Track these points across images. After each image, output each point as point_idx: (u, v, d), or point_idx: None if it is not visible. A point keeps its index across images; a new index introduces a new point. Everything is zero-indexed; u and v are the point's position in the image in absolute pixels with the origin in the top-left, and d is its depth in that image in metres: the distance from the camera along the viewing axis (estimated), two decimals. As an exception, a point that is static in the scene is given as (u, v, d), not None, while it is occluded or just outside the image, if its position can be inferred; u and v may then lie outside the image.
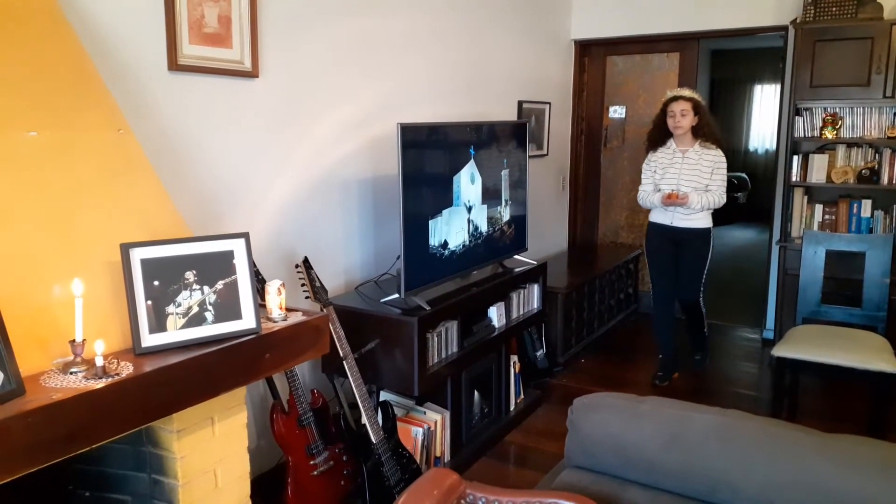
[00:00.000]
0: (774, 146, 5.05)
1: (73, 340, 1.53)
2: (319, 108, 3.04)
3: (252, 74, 2.66)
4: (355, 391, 2.65)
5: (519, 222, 3.70)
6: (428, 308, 2.86)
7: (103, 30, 2.17)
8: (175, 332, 1.74)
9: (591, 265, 5.22)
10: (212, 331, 1.79)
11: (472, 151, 3.23)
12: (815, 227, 4.44)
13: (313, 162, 3.04)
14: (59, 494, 1.95)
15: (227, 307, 1.83)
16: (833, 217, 4.43)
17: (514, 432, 3.56)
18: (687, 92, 3.90)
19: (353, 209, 3.29)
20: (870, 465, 1.52)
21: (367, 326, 2.85)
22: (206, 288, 1.81)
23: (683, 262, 4.02)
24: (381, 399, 2.97)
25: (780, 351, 3.31)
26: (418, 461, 2.90)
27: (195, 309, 1.78)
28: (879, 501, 1.46)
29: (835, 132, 4.33)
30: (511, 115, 4.63)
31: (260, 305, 1.94)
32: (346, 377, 2.67)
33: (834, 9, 4.17)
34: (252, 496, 2.10)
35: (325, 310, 2.65)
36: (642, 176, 4.06)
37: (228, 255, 1.86)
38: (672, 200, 3.81)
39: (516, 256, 3.73)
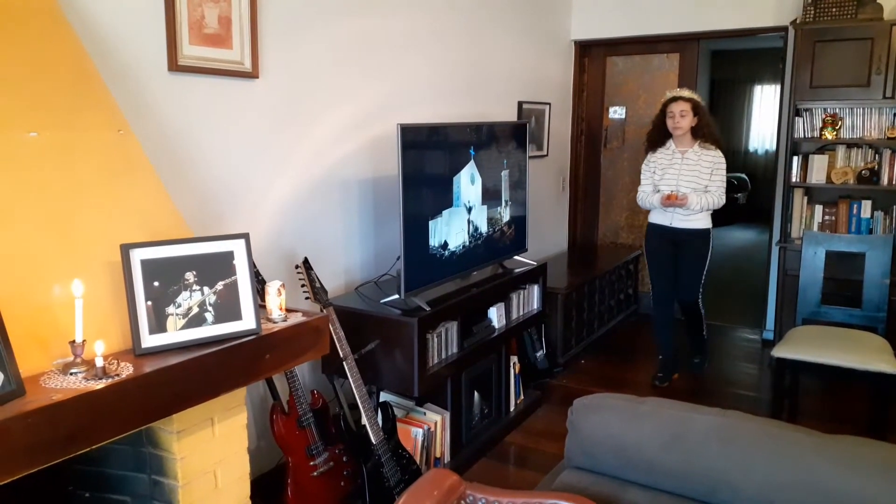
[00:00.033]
0: (774, 147, 5.05)
1: (73, 341, 1.53)
2: (319, 109, 3.05)
3: (252, 75, 2.66)
4: (355, 392, 2.65)
5: (519, 223, 3.70)
6: (428, 309, 2.86)
7: (103, 30, 2.17)
8: (175, 333, 1.74)
9: (590, 266, 5.22)
10: (212, 331, 1.79)
11: (472, 152, 3.23)
12: (815, 228, 4.44)
13: (313, 162, 3.04)
14: (59, 495, 1.95)
15: (227, 308, 1.83)
16: (833, 218, 4.43)
17: (514, 433, 3.56)
18: (686, 92, 3.90)
19: (353, 210, 3.29)
20: (870, 465, 1.52)
21: (367, 327, 2.85)
22: (206, 289, 1.81)
23: (683, 262, 4.02)
24: (381, 400, 2.97)
25: (780, 352, 3.31)
26: (418, 462, 2.89)
27: (195, 310, 1.78)
28: (880, 502, 1.46)
29: (835, 133, 4.33)
30: (511, 115, 4.63)
31: (260, 306, 1.94)
32: (346, 378, 2.67)
33: (834, 9, 4.17)
34: (252, 497, 2.10)
35: (325, 310, 2.65)
36: (641, 177, 4.06)
37: (228, 256, 1.86)
38: (671, 201, 3.81)
39: (516, 257, 3.73)
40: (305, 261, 2.71)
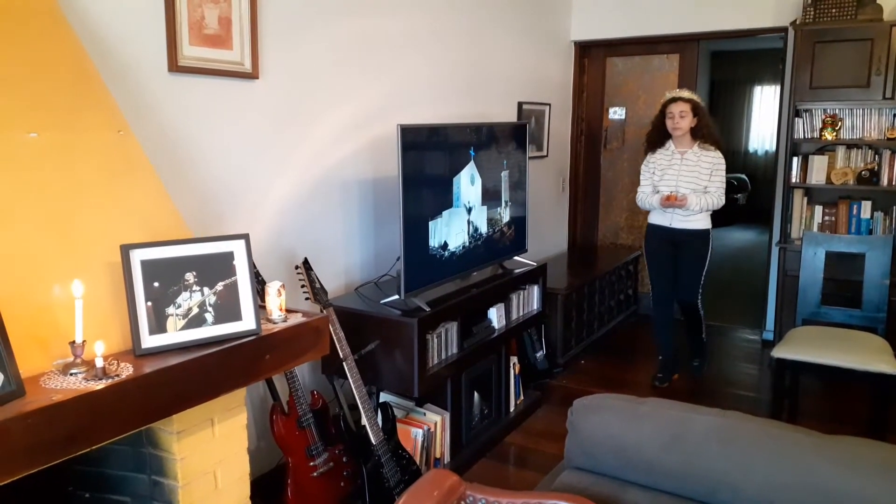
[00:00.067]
0: (774, 147, 5.05)
1: (73, 341, 1.53)
2: (319, 109, 3.05)
3: (252, 76, 2.66)
4: (355, 392, 2.65)
5: (519, 223, 3.70)
6: (428, 309, 2.86)
7: (103, 31, 2.17)
8: (175, 334, 1.74)
9: (590, 266, 5.22)
10: (212, 332, 1.79)
11: (471, 153, 3.23)
12: (815, 229, 4.44)
13: (313, 163, 3.04)
14: (59, 495, 1.95)
15: (227, 308, 1.83)
16: (833, 218, 4.44)
17: (513, 433, 3.56)
18: (686, 93, 3.90)
19: (353, 210, 3.29)
20: (870, 466, 1.52)
21: (367, 327, 2.85)
22: (206, 289, 1.81)
23: (682, 263, 4.02)
24: (381, 400, 2.97)
25: (779, 352, 3.31)
26: (418, 462, 2.89)
27: (195, 310, 1.78)
28: (880, 502, 1.46)
29: (834, 133, 4.33)
30: (511, 116, 4.64)
31: (260, 307, 1.94)
32: (346, 378, 2.67)
33: (834, 10, 4.17)
34: (252, 497, 2.10)
35: (325, 311, 2.65)
36: (641, 177, 4.06)
37: (228, 257, 1.86)
38: (671, 202, 3.81)
39: (516, 258, 3.73)
40: (305, 261, 2.71)
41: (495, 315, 3.44)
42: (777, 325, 4.50)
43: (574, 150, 5.67)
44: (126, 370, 1.59)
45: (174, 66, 2.37)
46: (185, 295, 1.77)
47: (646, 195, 3.99)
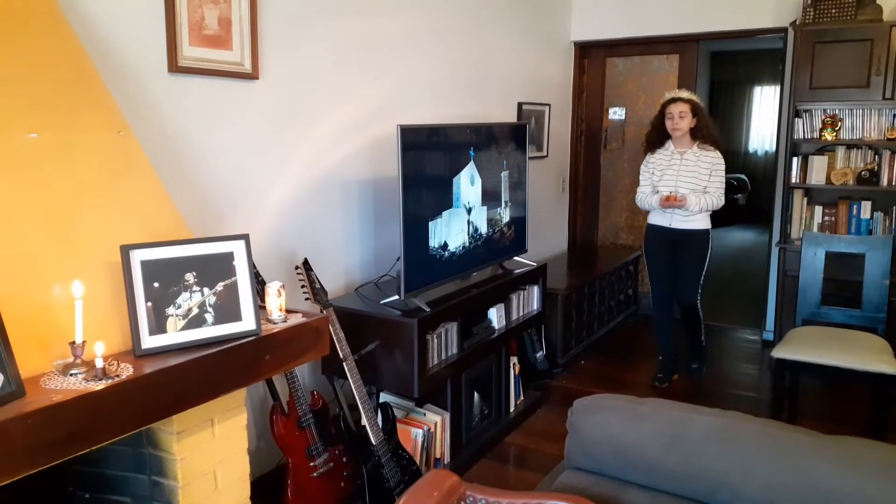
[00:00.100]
0: (774, 148, 5.05)
1: (73, 342, 1.53)
2: (319, 109, 3.05)
3: (252, 76, 2.67)
4: (355, 393, 2.65)
5: (519, 224, 3.70)
6: (428, 309, 2.86)
7: (103, 31, 2.17)
8: (175, 334, 1.74)
9: (590, 266, 5.22)
10: (212, 332, 1.79)
11: (471, 153, 3.23)
12: (815, 229, 4.44)
13: (313, 163, 3.04)
14: (59, 496, 1.95)
15: (227, 309, 1.83)
16: (833, 218, 4.44)
17: (513, 434, 3.56)
18: (685, 93, 3.90)
19: (353, 210, 3.29)
20: (870, 466, 1.52)
21: (367, 328, 2.85)
22: (206, 289, 1.81)
23: (682, 263, 4.02)
24: (381, 400, 2.97)
25: (779, 352, 3.31)
26: (418, 463, 2.89)
27: (195, 310, 1.78)
28: (880, 503, 1.46)
29: (834, 134, 4.33)
30: (511, 116, 4.64)
31: (260, 307, 1.94)
32: (346, 379, 2.67)
33: (833, 11, 4.17)
34: (252, 498, 2.10)
35: (324, 311, 2.65)
36: (640, 177, 4.06)
37: (228, 257, 1.86)
38: (670, 202, 3.81)
39: (516, 258, 3.73)
40: (305, 261, 2.71)
41: (495, 315, 3.44)
42: (777, 325, 4.50)
43: (574, 150, 5.67)
44: (126, 370, 1.59)
45: (174, 67, 2.37)
46: (185, 295, 1.77)
47: (645, 195, 3.99)
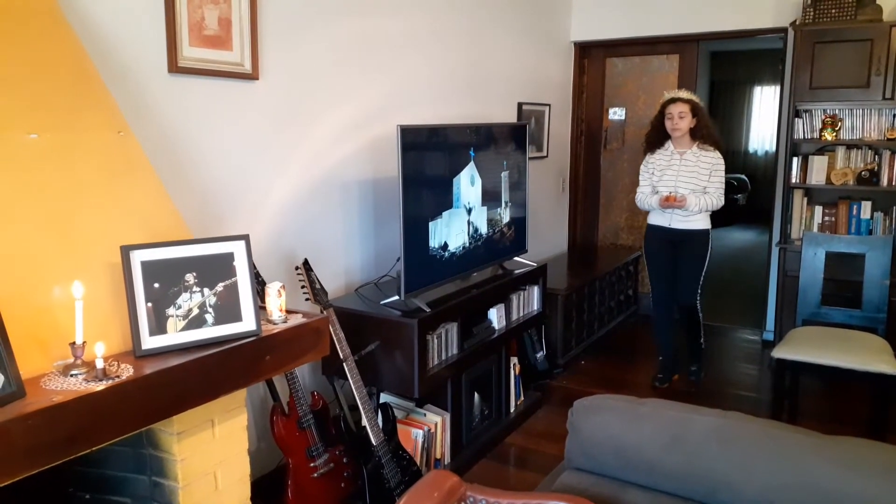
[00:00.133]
0: (774, 148, 5.06)
1: (74, 343, 1.53)
2: (319, 110, 3.05)
3: (252, 76, 2.67)
4: (355, 393, 2.65)
5: (519, 224, 3.70)
6: (428, 310, 2.86)
7: (103, 31, 2.17)
8: (175, 335, 1.74)
9: (590, 267, 5.22)
10: (212, 333, 1.79)
11: (471, 153, 3.23)
12: (815, 229, 4.44)
13: (313, 163, 3.04)
14: (59, 497, 1.95)
15: (228, 309, 1.83)
16: (833, 219, 4.44)
17: (514, 434, 3.56)
18: (685, 94, 3.90)
19: (353, 211, 3.29)
20: (870, 467, 1.52)
21: (368, 328, 2.85)
22: (206, 290, 1.81)
23: (682, 263, 4.01)
24: (382, 401, 2.97)
25: (780, 352, 3.31)
26: (418, 463, 2.89)
27: (195, 311, 1.78)
28: (880, 503, 1.46)
29: (834, 134, 4.33)
30: (511, 116, 4.64)
31: (260, 307, 1.94)
32: (347, 379, 2.67)
33: (833, 11, 4.17)
34: (252, 498, 2.10)
35: (325, 312, 2.65)
36: (640, 178, 4.06)
37: (229, 258, 1.86)
38: (670, 203, 3.81)
39: (516, 258, 3.73)
40: (305, 262, 2.71)
41: (495, 316, 3.44)
42: (777, 325, 4.50)
43: (574, 150, 5.67)
44: (126, 371, 1.59)
45: (174, 67, 2.37)
46: (185, 296, 1.77)
47: (645, 195, 3.99)
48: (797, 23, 4.31)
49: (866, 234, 4.30)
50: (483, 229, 3.38)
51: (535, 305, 3.81)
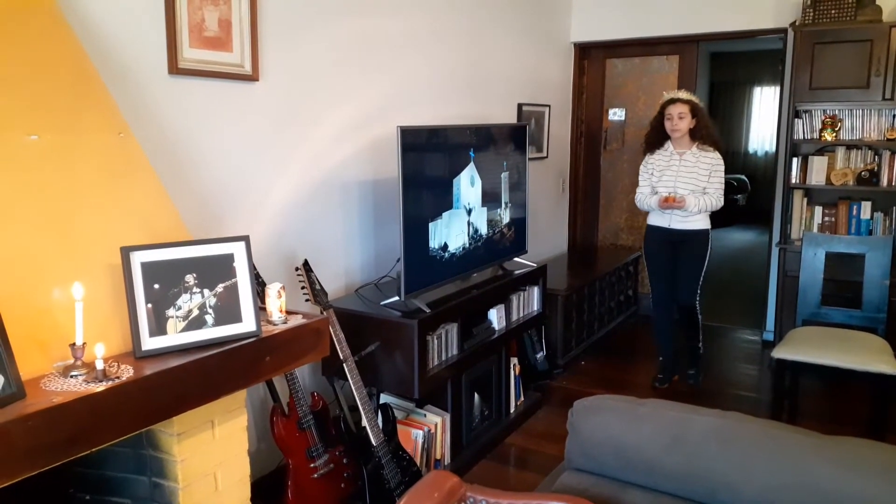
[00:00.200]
0: (774, 148, 5.06)
1: (74, 343, 1.54)
2: (319, 110, 3.05)
3: (252, 78, 2.67)
4: (355, 394, 2.65)
5: (519, 225, 3.70)
6: (428, 310, 2.86)
7: (104, 33, 2.18)
8: (175, 336, 1.74)
9: (590, 267, 5.22)
10: (212, 334, 1.79)
11: (471, 154, 3.23)
12: (815, 229, 4.44)
13: (313, 164, 3.05)
14: (59, 497, 1.95)
15: (228, 310, 1.83)
16: (833, 219, 4.44)
17: (514, 434, 3.56)
18: (684, 94, 3.90)
19: (353, 211, 3.29)
20: (870, 467, 1.52)
21: (368, 329, 2.85)
22: (206, 291, 1.81)
23: (681, 263, 4.01)
24: (382, 401, 2.97)
25: (780, 353, 3.31)
26: (418, 464, 2.89)
27: (195, 312, 1.78)
28: (880, 503, 1.46)
29: (834, 134, 4.33)
30: (511, 117, 4.64)
31: (260, 308, 1.94)
32: (347, 380, 2.67)
33: (833, 11, 4.17)
34: (252, 499, 2.10)
35: (325, 312, 2.65)
36: (639, 178, 4.06)
37: (229, 259, 1.87)
38: (669, 203, 3.81)
39: (516, 259, 3.73)
40: (305, 263, 2.71)
41: (495, 316, 3.44)
42: (777, 325, 4.50)
43: (574, 151, 5.67)
44: (126, 372, 1.59)
45: (174, 69, 2.37)
46: (185, 297, 1.77)
47: (644, 196, 3.99)
48: (797, 23, 4.31)
49: (866, 234, 4.30)
50: (483, 230, 3.38)
51: (535, 306, 3.81)
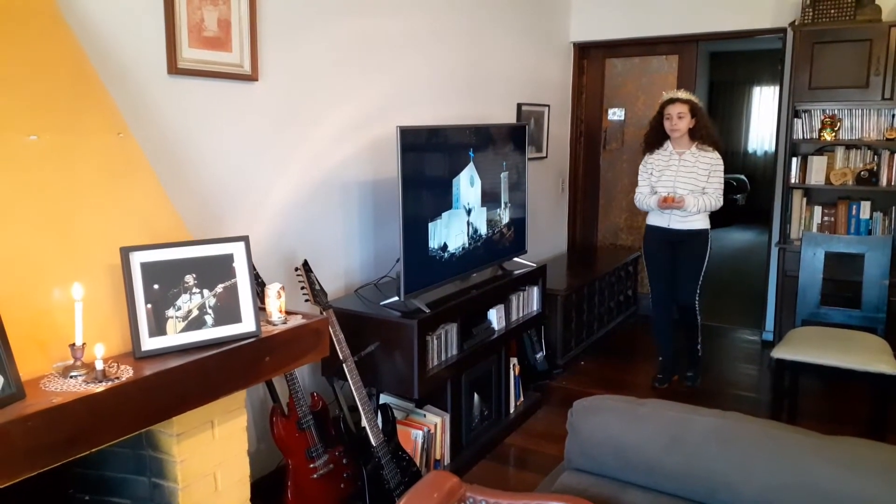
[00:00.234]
0: (773, 148, 5.06)
1: (73, 344, 1.53)
2: (319, 110, 3.05)
3: (252, 78, 2.67)
4: (355, 394, 2.65)
5: (518, 225, 3.70)
6: (428, 311, 2.86)
7: (103, 33, 2.17)
8: (175, 336, 1.74)
9: (590, 267, 5.22)
10: (211, 334, 1.79)
11: (471, 154, 3.23)
12: (815, 229, 4.44)
13: (313, 164, 3.04)
14: (59, 498, 1.95)
15: (227, 310, 1.83)
16: (832, 219, 4.44)
17: (513, 435, 3.56)
18: (683, 94, 3.90)
19: (352, 211, 3.29)
20: (870, 467, 1.52)
21: (367, 329, 2.85)
22: (205, 291, 1.81)
23: (681, 263, 4.01)
24: (381, 402, 2.97)
25: (779, 353, 3.31)
26: (418, 464, 2.89)
27: (195, 312, 1.78)
28: (880, 503, 1.46)
29: (833, 134, 4.33)
30: (510, 117, 4.64)
31: (260, 308, 1.94)
32: (346, 380, 2.67)
33: (832, 11, 4.18)
34: (252, 499, 2.10)
35: (324, 313, 2.65)
36: (639, 178, 4.06)
37: (228, 259, 1.86)
38: (668, 203, 3.81)
39: (516, 259, 3.73)
40: (305, 263, 2.71)
41: (495, 316, 3.44)
42: (777, 325, 4.50)
43: (573, 151, 5.67)
44: (126, 373, 1.59)
45: (174, 69, 2.37)
46: (184, 297, 1.77)
47: (644, 196, 3.99)
48: (796, 23, 4.31)
49: (865, 234, 4.30)
50: (482, 230, 3.38)
51: (535, 306, 3.81)
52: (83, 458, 1.51)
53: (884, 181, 4.24)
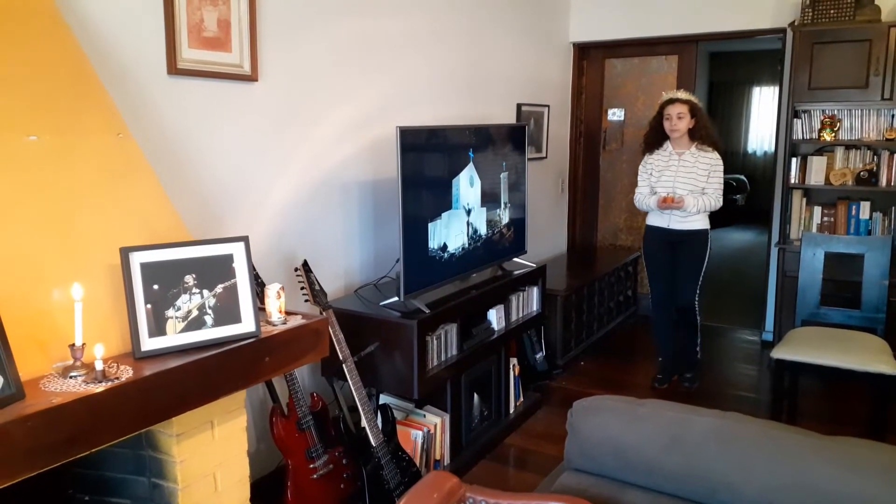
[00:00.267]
0: (773, 148, 5.06)
1: (73, 344, 1.53)
2: (319, 110, 3.05)
3: (251, 78, 2.67)
4: (355, 394, 2.65)
5: (518, 225, 3.70)
6: (427, 311, 2.86)
7: (103, 33, 2.17)
8: (174, 336, 1.74)
9: (590, 267, 5.22)
10: (211, 334, 1.79)
11: (471, 154, 3.23)
12: (814, 229, 4.45)
13: (313, 164, 3.04)
14: (58, 498, 1.95)
15: (227, 311, 1.83)
16: (832, 219, 4.44)
17: (513, 435, 3.56)
18: (683, 94, 3.90)
19: (352, 212, 3.29)
20: (870, 467, 1.52)
21: (367, 329, 2.85)
22: (205, 292, 1.81)
23: (680, 263, 4.01)
24: (381, 402, 2.97)
25: (779, 353, 3.31)
26: (418, 464, 2.89)
27: (195, 313, 1.78)
28: (879, 504, 1.46)
29: (833, 134, 4.34)
30: (510, 117, 4.64)
31: (259, 309, 1.94)
32: (346, 380, 2.67)
33: (832, 11, 4.18)
34: (252, 499, 2.10)
35: (324, 313, 2.65)
36: (638, 178, 4.06)
37: (228, 259, 1.86)
38: (668, 204, 3.81)
39: (515, 259, 3.73)
40: (305, 263, 2.71)
41: (495, 316, 3.44)
42: (776, 325, 4.50)
43: (573, 151, 5.67)
44: (126, 373, 1.59)
45: (173, 69, 2.37)
46: (184, 297, 1.77)
47: (643, 196, 3.99)
48: (796, 23, 4.31)
49: (865, 234, 4.30)
50: (482, 230, 3.38)
51: (535, 306, 3.81)
52: (83, 458, 1.51)
53: (883, 181, 4.24)
